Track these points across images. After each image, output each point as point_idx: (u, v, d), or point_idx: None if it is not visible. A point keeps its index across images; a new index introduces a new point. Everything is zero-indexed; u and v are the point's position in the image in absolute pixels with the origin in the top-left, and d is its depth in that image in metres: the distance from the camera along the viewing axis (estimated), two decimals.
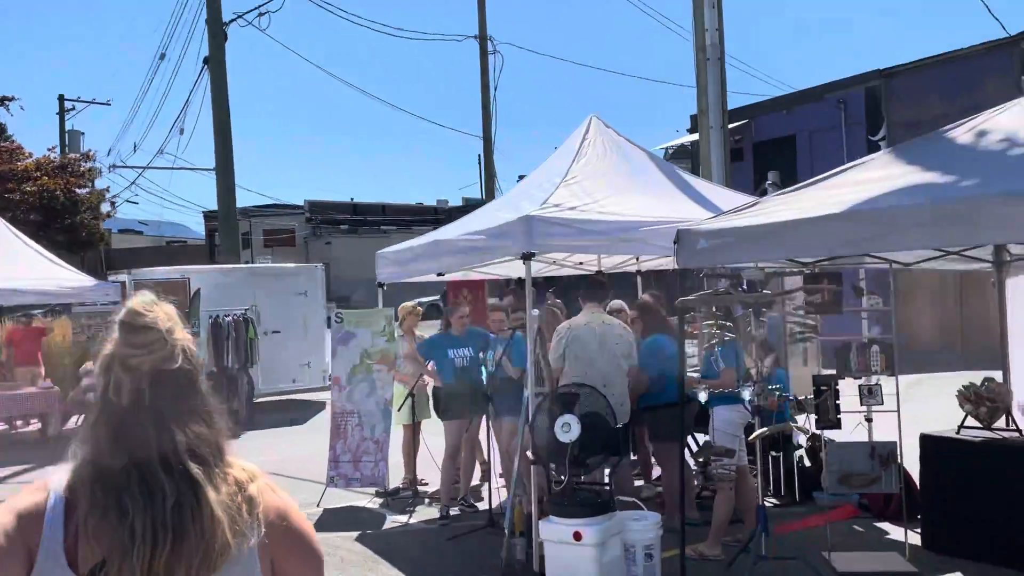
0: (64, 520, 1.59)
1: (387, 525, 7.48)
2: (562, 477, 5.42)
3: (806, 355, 5.42)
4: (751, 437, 5.50)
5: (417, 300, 38.46)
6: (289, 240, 44.23)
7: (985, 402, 5.93)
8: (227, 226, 18.71)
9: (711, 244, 5.10)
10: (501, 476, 8.54)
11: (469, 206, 34.07)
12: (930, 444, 6.03)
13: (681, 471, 5.62)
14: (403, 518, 7.66)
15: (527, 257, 5.94)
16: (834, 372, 5.78)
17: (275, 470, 10.15)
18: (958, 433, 6.00)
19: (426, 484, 8.78)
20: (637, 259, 8.64)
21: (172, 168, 30.19)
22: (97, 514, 1.57)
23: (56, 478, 1.64)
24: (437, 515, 7.53)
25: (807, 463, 7.55)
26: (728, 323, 5.39)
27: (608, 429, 5.32)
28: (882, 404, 5.76)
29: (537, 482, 5.88)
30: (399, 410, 8.46)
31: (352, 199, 51.63)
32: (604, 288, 6.77)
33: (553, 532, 5.31)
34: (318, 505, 8.21)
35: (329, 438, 8.51)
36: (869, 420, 5.62)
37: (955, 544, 5.88)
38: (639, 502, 5.57)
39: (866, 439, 5.82)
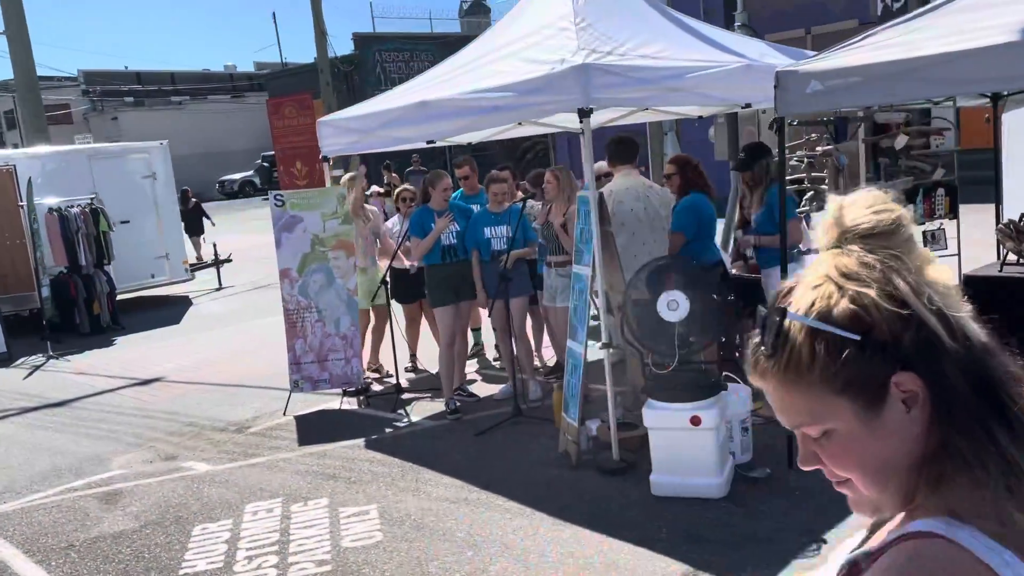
0: None
1: (390, 428, 6.68)
2: (660, 359, 4.88)
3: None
4: None
5: (226, 177, 35.92)
6: (66, 117, 39.21)
7: None
8: (31, 102, 15.88)
9: (828, 86, 4.53)
10: (497, 360, 7.94)
11: (276, 73, 31.35)
12: (974, 284, 5.98)
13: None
14: (394, 417, 6.88)
15: (585, 114, 5.12)
16: None
17: (201, 379, 8.96)
18: (1001, 271, 5.99)
19: (391, 376, 7.99)
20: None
21: None
22: None
23: (968, 537, 0.88)
24: (443, 409, 6.81)
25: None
26: (822, 173, 4.93)
27: (715, 301, 4.79)
28: (946, 248, 5.61)
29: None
30: (373, 301, 7.51)
31: (127, 67, 46.40)
32: (634, 146, 6.08)
33: (662, 419, 4.81)
34: (285, 413, 7.26)
35: (285, 338, 7.44)
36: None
37: None
38: (732, 375, 5.16)
39: None
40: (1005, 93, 6.82)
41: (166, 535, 5.07)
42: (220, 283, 15.46)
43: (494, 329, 8.30)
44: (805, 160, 4.87)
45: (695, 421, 4.68)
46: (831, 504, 4.53)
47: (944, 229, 5.60)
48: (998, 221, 6.63)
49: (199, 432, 7.11)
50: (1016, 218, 6.10)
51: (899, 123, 5.04)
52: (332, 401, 7.51)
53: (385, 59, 23.52)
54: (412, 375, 8.08)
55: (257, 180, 36.89)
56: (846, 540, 1.22)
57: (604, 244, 5.25)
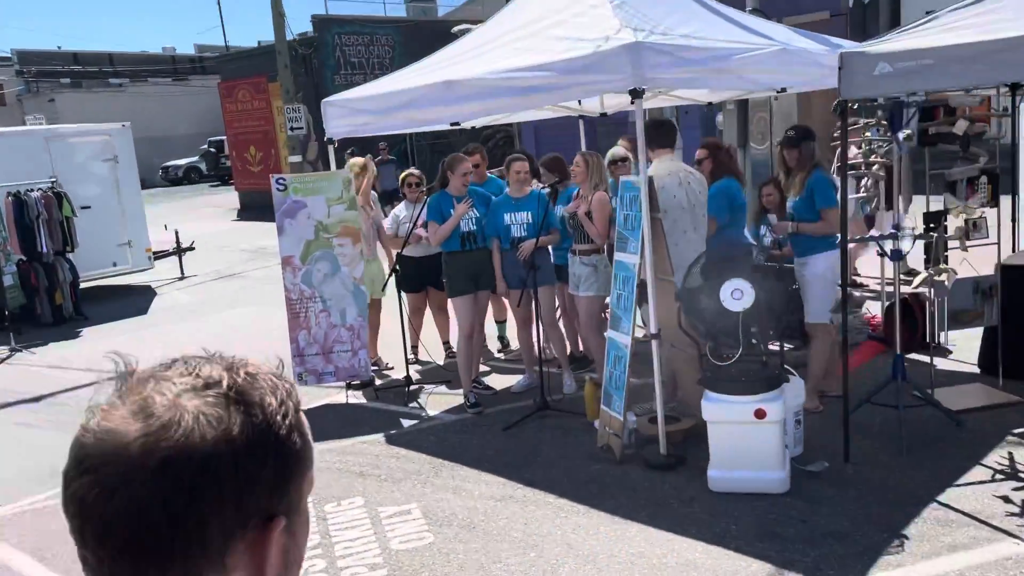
0: None
1: (408, 422, 6.40)
2: (721, 350, 4.71)
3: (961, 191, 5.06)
4: (915, 284, 5.10)
5: (170, 163, 34.70)
6: None
7: None
8: None
9: (898, 68, 4.41)
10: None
11: (229, 55, 30.44)
12: (1010, 273, 5.96)
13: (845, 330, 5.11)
14: (408, 411, 6.61)
15: (637, 94, 4.91)
16: (942, 208, 5.46)
17: None
18: None
19: (391, 368, 7.73)
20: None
21: None
22: None
23: None
24: (461, 402, 6.55)
25: None
26: (881, 160, 4.81)
27: (778, 291, 4.64)
28: (987, 236, 5.56)
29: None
30: (384, 290, 7.21)
31: (60, 47, 44.67)
32: (673, 130, 5.90)
33: (723, 412, 4.65)
34: None
35: (288, 330, 7.09)
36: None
37: None
38: (789, 367, 5.02)
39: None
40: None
41: None
42: (183, 272, 14.88)
43: (497, 322, 8.09)
44: (874, 145, 4.74)
45: (760, 414, 4.53)
46: (902, 498, 4.44)
47: (985, 217, 5.56)
48: (1014, 212, 6.64)
49: None
50: None
51: (974, 107, 4.97)
52: (337, 395, 7.19)
53: (344, 42, 22.92)
54: (417, 366, 7.78)
55: (203, 166, 35.83)
56: None
57: (652, 231, 5.06)
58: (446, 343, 7.93)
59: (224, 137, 28.54)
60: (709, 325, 4.66)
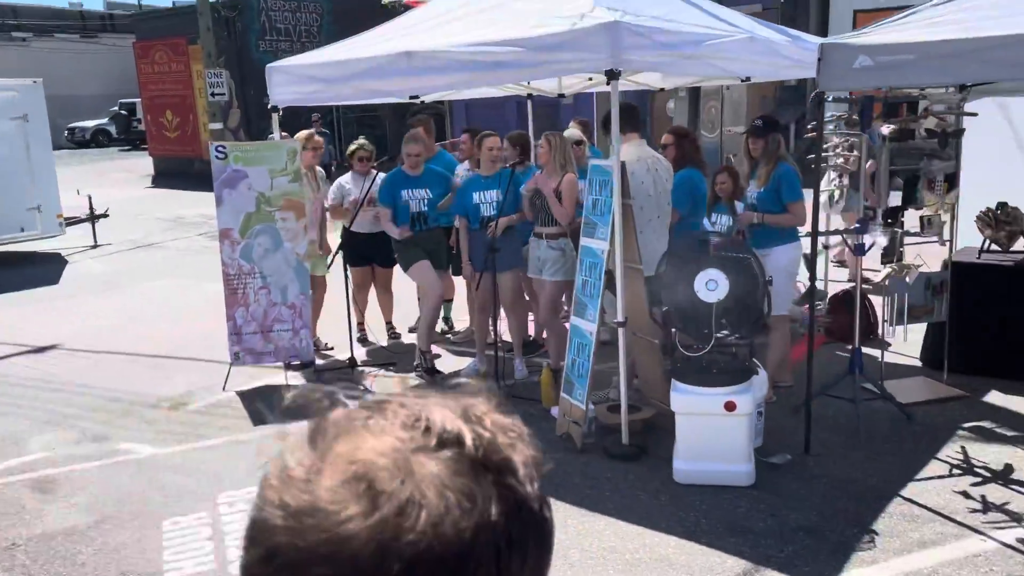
0: None
1: (352, 406, 6.14)
2: (692, 341, 4.64)
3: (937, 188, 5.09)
4: (882, 276, 5.11)
5: (76, 124, 33.13)
6: None
7: (1004, 226, 6.07)
8: None
9: (878, 62, 4.37)
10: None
11: (146, 13, 29.07)
12: (959, 269, 6.06)
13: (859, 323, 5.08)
14: (355, 393, 6.35)
15: (613, 76, 4.76)
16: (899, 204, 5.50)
17: (106, 348, 7.99)
18: (979, 258, 6.11)
19: (332, 348, 7.44)
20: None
21: None
22: None
23: None
24: (410, 384, 6.34)
25: None
26: (852, 155, 4.79)
27: (756, 283, 4.57)
28: (941, 234, 5.64)
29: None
30: (329, 266, 6.92)
31: None
32: (638, 113, 5.77)
33: (692, 403, 4.58)
34: (224, 388, 6.58)
35: (225, 307, 6.73)
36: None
37: (979, 364, 5.98)
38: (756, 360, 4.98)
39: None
40: (969, 84, 6.96)
41: (132, 531, 4.42)
42: (96, 240, 14.12)
43: (444, 300, 7.87)
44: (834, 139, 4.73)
45: (730, 406, 4.48)
46: (866, 492, 4.46)
47: (940, 215, 5.63)
48: (954, 210, 6.77)
49: (127, 409, 6.34)
50: (993, 206, 6.23)
51: (953, 105, 5.00)
52: (274, 376, 6.86)
53: (270, 7, 22.11)
54: (359, 347, 7.50)
55: (113, 129, 34.24)
56: None
57: (623, 217, 4.93)
58: (389, 323, 7.69)
59: (137, 100, 27.31)
60: (681, 315, 4.58)
